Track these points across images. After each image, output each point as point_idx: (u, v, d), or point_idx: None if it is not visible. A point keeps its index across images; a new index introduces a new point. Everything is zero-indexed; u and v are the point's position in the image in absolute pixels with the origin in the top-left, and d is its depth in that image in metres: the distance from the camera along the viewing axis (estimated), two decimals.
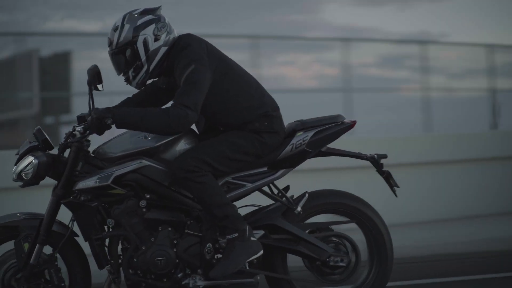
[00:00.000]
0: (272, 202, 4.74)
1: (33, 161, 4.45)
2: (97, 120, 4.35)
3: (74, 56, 14.65)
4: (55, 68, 14.77)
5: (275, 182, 4.71)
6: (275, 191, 4.75)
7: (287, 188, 4.75)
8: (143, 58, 4.52)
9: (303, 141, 4.63)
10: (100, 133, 4.41)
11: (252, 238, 4.50)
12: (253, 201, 4.76)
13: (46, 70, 14.63)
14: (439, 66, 15.97)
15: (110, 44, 4.55)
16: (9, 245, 4.57)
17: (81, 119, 4.60)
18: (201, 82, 4.41)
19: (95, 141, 4.73)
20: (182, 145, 4.55)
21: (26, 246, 4.46)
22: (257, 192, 4.68)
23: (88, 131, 4.46)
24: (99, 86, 4.54)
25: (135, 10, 4.57)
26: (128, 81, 4.58)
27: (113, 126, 4.44)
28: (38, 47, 14.21)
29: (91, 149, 4.56)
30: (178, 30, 4.64)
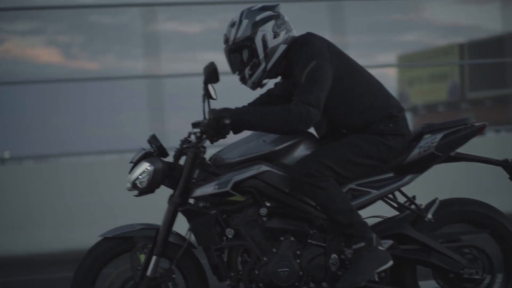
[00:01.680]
0: (394, 210, 4.45)
1: (148, 167, 4.24)
2: (214, 121, 4.12)
3: None
4: None
5: (402, 189, 4.41)
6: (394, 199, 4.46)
7: (413, 197, 4.44)
8: (261, 55, 4.29)
9: (432, 143, 4.33)
10: (216, 136, 4.17)
11: (380, 248, 4.21)
12: (373, 211, 4.47)
13: None
14: None
15: (227, 40, 4.33)
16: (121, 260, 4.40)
17: (195, 125, 4.38)
18: (323, 78, 4.16)
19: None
20: (302, 150, 4.30)
21: (142, 257, 4.26)
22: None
23: (204, 136, 4.24)
24: (213, 94, 4.33)
25: (253, 6, 4.36)
26: (243, 80, 4.36)
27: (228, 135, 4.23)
28: None
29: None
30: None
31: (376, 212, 4.46)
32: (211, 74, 4.23)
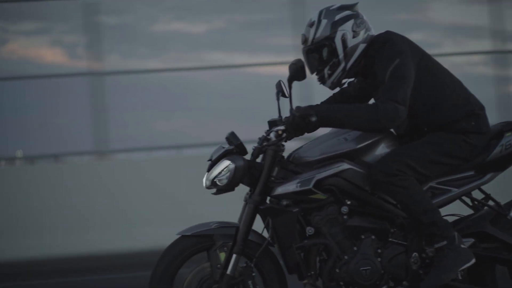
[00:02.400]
0: (468, 208, 4.43)
1: (230, 165, 4.21)
2: (300, 118, 4.09)
3: None
4: None
5: (482, 187, 4.38)
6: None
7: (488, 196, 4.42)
8: (341, 55, 4.26)
9: None
10: (300, 133, 4.14)
11: (462, 246, 4.18)
12: (445, 210, 4.44)
13: None
14: None
15: (305, 40, 4.30)
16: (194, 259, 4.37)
17: (272, 123, 4.35)
18: (407, 76, 4.14)
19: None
20: (382, 148, 4.27)
21: (222, 256, 4.23)
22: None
23: (284, 134, 4.20)
24: (286, 93, 4.30)
25: (331, 6, 4.33)
26: (322, 80, 4.33)
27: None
28: None
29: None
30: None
31: (448, 210, 4.43)
32: (298, 71, 4.19)
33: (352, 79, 4.49)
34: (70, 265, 8.05)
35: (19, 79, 9.69)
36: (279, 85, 4.42)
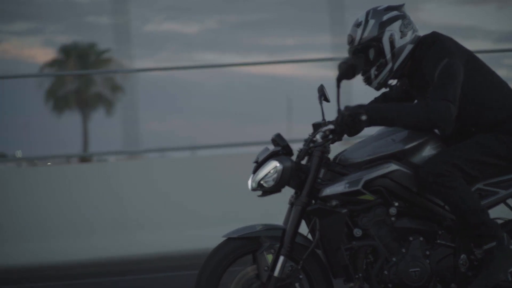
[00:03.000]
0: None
1: (277, 166, 4.17)
2: (349, 118, 4.07)
3: None
4: None
5: None
6: None
7: None
8: (388, 55, 4.24)
9: None
10: (348, 133, 4.12)
11: (511, 247, 4.16)
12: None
13: None
14: None
15: (352, 41, 4.28)
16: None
17: (316, 126, 4.32)
18: (457, 75, 4.13)
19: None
20: (430, 149, 4.24)
21: (269, 258, 4.19)
22: None
23: (331, 135, 4.17)
24: (327, 94, 4.29)
25: (378, 6, 4.31)
26: (368, 80, 4.30)
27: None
28: None
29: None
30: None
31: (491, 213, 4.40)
32: (348, 70, 4.16)
33: (395, 82, 4.46)
34: (82, 270, 7.97)
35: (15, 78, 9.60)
36: (321, 89, 4.39)
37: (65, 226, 8.00)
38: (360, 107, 4.10)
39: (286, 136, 4.34)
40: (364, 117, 4.06)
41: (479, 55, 4.36)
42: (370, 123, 4.10)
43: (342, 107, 4.16)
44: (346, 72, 4.17)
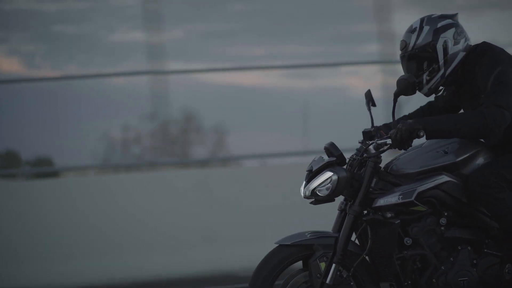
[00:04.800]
0: None
1: (333, 176, 4.27)
2: (407, 133, 4.17)
3: None
4: None
5: None
6: None
7: None
8: (441, 61, 4.35)
9: None
10: (405, 147, 4.23)
11: None
12: None
13: None
14: None
15: (405, 46, 4.39)
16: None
17: (366, 134, 4.42)
18: (510, 83, 4.26)
19: None
20: (480, 160, 4.36)
21: (323, 265, 4.28)
22: None
23: (386, 146, 4.28)
24: (375, 101, 4.41)
25: (432, 14, 4.43)
26: (419, 85, 4.40)
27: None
28: None
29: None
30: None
31: None
32: (408, 87, 4.27)
33: (442, 90, 4.56)
34: None
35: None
36: (368, 94, 4.49)
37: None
38: (417, 122, 4.19)
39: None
40: (422, 133, 4.17)
41: None
42: (428, 138, 4.21)
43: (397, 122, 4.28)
44: (405, 88, 4.28)
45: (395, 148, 4.25)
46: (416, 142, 4.42)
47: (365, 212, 4.34)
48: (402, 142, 4.20)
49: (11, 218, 7.69)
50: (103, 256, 7.68)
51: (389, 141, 4.26)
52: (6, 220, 7.67)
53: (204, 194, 7.89)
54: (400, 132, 4.19)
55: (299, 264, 4.37)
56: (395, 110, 4.37)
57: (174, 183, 8.03)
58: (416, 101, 4.64)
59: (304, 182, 4.37)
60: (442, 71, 4.37)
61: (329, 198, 4.31)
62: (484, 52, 4.34)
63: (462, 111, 4.56)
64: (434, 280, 4.28)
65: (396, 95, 4.32)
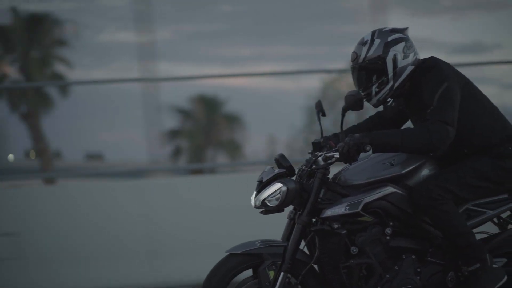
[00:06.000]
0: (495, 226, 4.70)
1: (282, 188, 4.40)
2: (354, 147, 4.31)
3: None
4: None
5: None
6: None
7: None
8: (390, 74, 4.49)
9: None
10: (352, 161, 4.36)
11: (494, 266, 4.45)
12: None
13: None
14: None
15: (356, 58, 4.51)
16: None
17: (316, 145, 4.57)
18: (455, 99, 4.39)
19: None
20: (425, 172, 4.50)
21: (271, 274, 4.42)
22: None
23: (333, 159, 4.41)
24: (325, 112, 4.56)
25: (383, 28, 4.55)
26: (368, 97, 4.53)
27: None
28: None
29: None
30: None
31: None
32: (356, 103, 4.41)
33: (391, 101, 4.70)
34: None
35: None
36: (319, 105, 4.63)
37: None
38: (365, 136, 4.31)
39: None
40: (368, 147, 4.29)
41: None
42: (374, 151, 4.34)
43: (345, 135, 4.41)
44: (353, 104, 4.42)
45: (341, 161, 4.39)
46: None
47: (314, 221, 4.48)
48: (349, 156, 4.33)
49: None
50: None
51: (336, 154, 4.39)
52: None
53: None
54: (348, 146, 4.32)
55: (249, 272, 4.51)
56: (343, 124, 4.51)
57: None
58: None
59: (255, 193, 4.50)
60: (390, 83, 4.50)
61: (279, 209, 4.44)
62: (432, 67, 4.46)
63: (410, 121, 4.70)
64: (379, 287, 4.43)
65: (344, 110, 4.45)
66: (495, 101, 4.66)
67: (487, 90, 4.73)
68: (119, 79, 9.98)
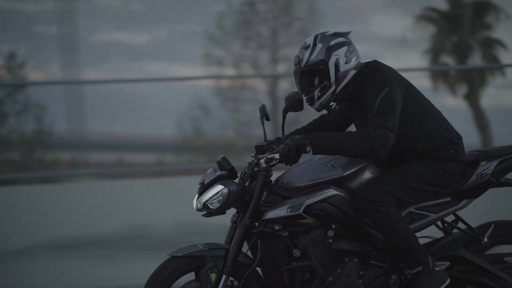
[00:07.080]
0: (440, 231, 4.69)
1: (223, 190, 4.38)
2: (294, 148, 4.29)
3: None
4: None
5: (457, 212, 4.65)
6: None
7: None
8: (332, 78, 4.47)
9: (488, 170, 4.57)
10: (293, 162, 4.34)
11: (436, 269, 4.44)
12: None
13: None
14: None
15: (298, 62, 4.50)
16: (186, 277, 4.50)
17: (259, 148, 4.55)
18: (396, 104, 4.39)
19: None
20: (367, 175, 4.49)
21: (213, 276, 4.40)
22: None
23: (275, 161, 4.40)
24: (269, 116, 4.54)
25: (326, 32, 4.54)
26: (311, 101, 4.52)
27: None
28: None
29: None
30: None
31: (420, 232, 4.69)
32: (295, 104, 4.40)
33: (334, 105, 4.68)
34: None
35: None
36: (263, 109, 4.61)
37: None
38: (305, 138, 4.31)
39: None
40: (308, 149, 4.28)
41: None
42: (314, 153, 4.32)
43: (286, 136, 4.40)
44: (293, 105, 4.41)
45: (282, 162, 4.36)
46: (307, 156, 4.55)
47: (256, 224, 4.46)
48: (290, 157, 4.31)
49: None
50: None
51: (277, 156, 4.37)
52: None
53: None
54: (288, 147, 4.30)
55: (191, 275, 4.49)
56: (284, 126, 4.49)
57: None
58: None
59: (197, 195, 4.48)
60: (333, 88, 4.49)
61: (220, 211, 4.42)
62: (374, 72, 4.46)
63: (353, 124, 4.69)
64: None
65: (285, 111, 4.44)
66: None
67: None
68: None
